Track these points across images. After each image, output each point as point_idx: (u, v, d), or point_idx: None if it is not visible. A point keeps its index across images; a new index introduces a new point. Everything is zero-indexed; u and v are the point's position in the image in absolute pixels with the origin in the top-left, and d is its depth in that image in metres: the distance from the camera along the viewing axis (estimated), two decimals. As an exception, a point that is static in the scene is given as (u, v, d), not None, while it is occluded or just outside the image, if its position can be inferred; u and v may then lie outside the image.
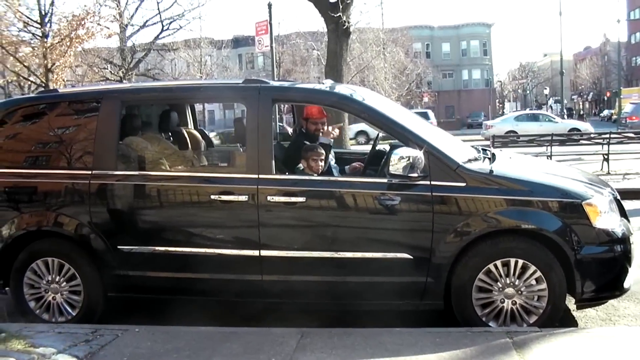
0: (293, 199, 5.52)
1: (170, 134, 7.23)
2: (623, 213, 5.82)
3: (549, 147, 17.71)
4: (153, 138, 6.65)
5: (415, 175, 5.31)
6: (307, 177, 5.86)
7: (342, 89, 6.42)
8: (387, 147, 6.82)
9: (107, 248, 5.82)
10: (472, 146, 6.71)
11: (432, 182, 5.37)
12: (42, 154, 6.26)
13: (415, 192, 5.40)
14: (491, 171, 5.48)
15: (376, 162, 6.72)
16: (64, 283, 5.98)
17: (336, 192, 5.57)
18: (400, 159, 5.25)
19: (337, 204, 5.57)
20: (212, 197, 5.62)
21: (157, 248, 5.75)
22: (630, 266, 5.52)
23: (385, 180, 5.47)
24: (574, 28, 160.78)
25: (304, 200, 5.51)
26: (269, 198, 5.51)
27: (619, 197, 5.94)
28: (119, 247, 5.80)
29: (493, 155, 6.28)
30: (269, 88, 5.95)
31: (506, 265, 5.33)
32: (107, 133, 5.93)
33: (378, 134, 7.44)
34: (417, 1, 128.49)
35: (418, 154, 5.29)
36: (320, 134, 6.95)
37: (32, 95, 7.59)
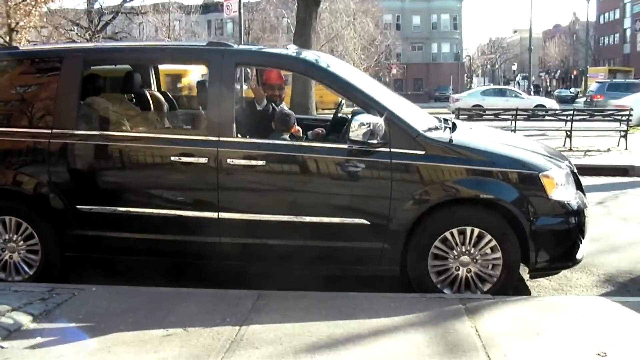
0: (253, 162, 5.52)
1: (133, 95, 7.18)
2: (579, 186, 5.94)
3: (513, 122, 17.88)
4: (115, 98, 6.61)
5: (375, 142, 5.34)
6: (268, 141, 5.83)
7: (308, 54, 6.41)
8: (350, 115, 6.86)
9: (66, 207, 5.77)
10: (434, 116, 6.77)
11: (392, 150, 5.40)
12: (2, 112, 6.15)
13: (374, 158, 5.43)
14: (451, 140, 5.51)
15: (338, 129, 6.75)
16: (22, 242, 5.92)
17: (297, 157, 5.59)
18: (361, 125, 5.28)
19: (297, 169, 5.60)
20: (173, 158, 5.59)
21: (116, 208, 5.72)
22: (583, 238, 5.65)
23: (345, 146, 5.50)
24: (545, 5, 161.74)
25: (264, 164, 5.52)
26: (228, 161, 5.50)
27: (575, 171, 6.04)
28: (78, 206, 5.75)
29: (454, 125, 6.33)
30: (233, 51, 5.92)
31: (462, 233, 5.41)
32: (68, 92, 5.86)
33: (341, 101, 7.44)
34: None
35: (378, 120, 5.32)
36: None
37: None
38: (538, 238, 5.39)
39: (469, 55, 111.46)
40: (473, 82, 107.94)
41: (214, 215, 5.57)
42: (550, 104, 36.45)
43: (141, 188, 5.79)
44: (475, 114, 20.50)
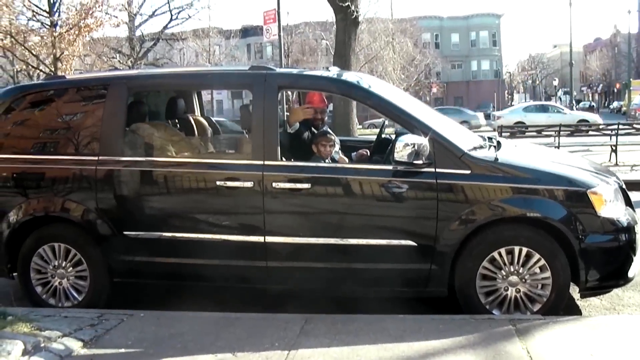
0: (298, 186, 5.54)
1: (177, 120, 7.25)
2: (629, 202, 5.82)
3: (557, 138, 17.67)
4: (159, 125, 6.68)
5: (420, 162, 5.32)
6: (312, 164, 5.86)
7: (349, 76, 6.44)
8: (393, 135, 6.84)
9: (113, 233, 5.85)
10: (478, 134, 6.72)
11: (437, 170, 5.37)
12: (50, 140, 6.31)
13: (420, 179, 5.40)
14: (496, 159, 5.47)
15: (382, 149, 6.74)
16: (71, 268, 6.03)
17: (341, 179, 5.60)
18: (405, 146, 5.27)
19: (342, 191, 5.58)
20: (218, 183, 5.64)
21: (163, 234, 5.79)
22: (635, 255, 5.51)
23: (390, 168, 5.49)
24: (584, 19, 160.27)
25: (309, 187, 5.53)
26: (274, 184, 5.53)
27: (624, 186, 5.93)
28: (125, 232, 5.83)
29: (498, 143, 6.28)
30: (275, 75, 5.95)
31: (510, 253, 5.33)
32: (114, 119, 5.97)
33: (384, 122, 7.46)
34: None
35: (423, 141, 5.31)
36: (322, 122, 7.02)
37: (39, 81, 7.63)
38: (588, 256, 5.29)
39: (509, 72, 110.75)
40: (514, 99, 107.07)
41: (260, 239, 5.59)
42: (594, 118, 35.96)
43: (187, 213, 5.83)
44: (518, 131, 20.28)
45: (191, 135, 7.11)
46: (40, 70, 28.12)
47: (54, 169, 6.06)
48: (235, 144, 7.13)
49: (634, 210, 5.81)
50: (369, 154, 7.16)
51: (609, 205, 5.37)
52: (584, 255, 5.27)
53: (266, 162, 5.57)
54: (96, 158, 5.92)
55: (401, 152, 5.28)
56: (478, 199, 5.33)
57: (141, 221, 5.86)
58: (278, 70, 6.21)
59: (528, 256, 5.31)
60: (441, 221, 5.35)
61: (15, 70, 36.21)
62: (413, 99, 6.87)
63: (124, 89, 6.10)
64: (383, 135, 7.33)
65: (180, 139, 6.61)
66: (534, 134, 20.42)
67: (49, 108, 6.42)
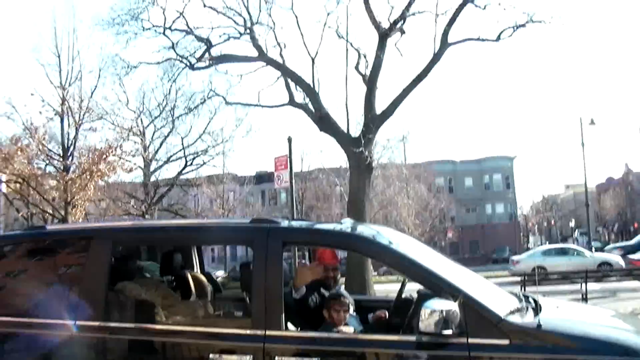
0: None
1: (172, 277, 6.50)
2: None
3: (583, 284, 16.79)
4: (150, 283, 5.92)
5: (450, 332, 4.46)
6: (323, 335, 5.01)
7: (364, 230, 5.69)
8: (414, 295, 6.04)
9: None
10: (512, 292, 5.87)
11: (470, 340, 4.50)
12: (22, 300, 5.50)
13: (449, 352, 4.52)
14: (539, 325, 4.56)
15: (403, 311, 5.91)
16: None
17: (357, 352, 4.74)
18: (432, 312, 4.42)
19: None
20: (211, 356, 4.78)
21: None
22: None
23: (413, 339, 4.64)
24: (595, 158, 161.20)
25: None
26: (277, 359, 4.67)
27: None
28: None
29: (537, 303, 5.43)
30: (279, 229, 5.24)
31: None
32: (95, 278, 5.19)
33: (404, 280, 6.62)
34: (440, 136, 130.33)
35: (453, 306, 4.47)
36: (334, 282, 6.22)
37: (15, 232, 6.91)
38: None
39: (524, 214, 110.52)
40: (530, 241, 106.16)
41: None
42: (616, 260, 34.86)
43: None
44: (543, 278, 19.37)
45: (187, 295, 6.32)
46: (53, 215, 27.91)
47: (24, 335, 5.18)
48: (234, 309, 6.30)
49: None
50: (387, 316, 6.31)
51: None
52: None
53: (268, 333, 4.72)
54: (73, 322, 5.09)
55: (427, 320, 4.42)
56: None
57: None
58: (283, 223, 5.48)
59: None
60: (477, 405, 4.44)
61: (30, 213, 36.11)
62: (438, 255, 6.01)
63: (108, 243, 5.37)
64: (403, 295, 6.49)
65: (172, 300, 5.81)
66: (557, 279, 19.46)
67: (24, 263, 5.70)
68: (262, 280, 4.91)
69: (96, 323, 5.06)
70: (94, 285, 5.18)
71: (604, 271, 22.55)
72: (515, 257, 39.51)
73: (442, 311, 4.42)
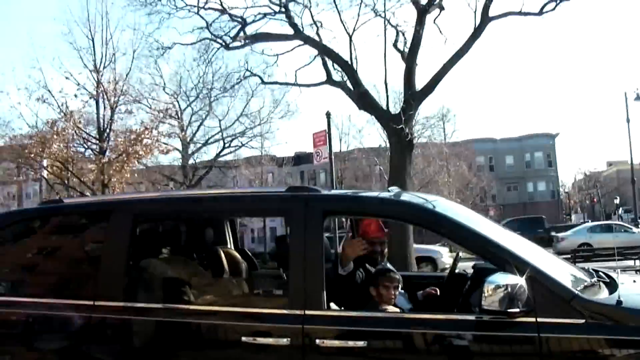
0: (351, 344, 4.09)
1: (203, 254, 5.98)
2: None
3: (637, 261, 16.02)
4: (177, 260, 5.40)
5: (517, 310, 3.87)
6: (370, 314, 4.45)
7: (413, 197, 5.09)
8: (469, 270, 5.46)
9: None
10: (582, 268, 5.23)
11: (539, 319, 3.90)
12: (36, 279, 5.04)
13: (516, 332, 3.94)
14: (619, 302, 3.95)
15: (457, 288, 5.34)
16: None
17: (408, 333, 4.15)
18: (496, 288, 3.83)
19: (409, 348, 4.15)
20: (244, 339, 4.25)
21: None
22: None
23: (473, 318, 4.07)
24: (638, 135, 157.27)
25: (365, 345, 4.07)
26: (317, 342, 4.10)
27: None
28: None
29: (611, 278, 4.80)
30: (319, 198, 4.68)
31: None
32: (115, 254, 4.69)
33: (457, 254, 6.01)
34: (480, 114, 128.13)
35: (519, 281, 3.87)
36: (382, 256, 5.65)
37: (33, 206, 6.39)
38: None
39: (567, 192, 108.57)
40: (572, 219, 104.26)
41: None
42: (665, 237, 33.74)
43: None
44: (594, 254, 18.60)
45: (219, 273, 5.80)
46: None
47: (38, 315, 4.68)
48: (272, 287, 5.76)
49: None
50: (438, 293, 5.74)
51: None
52: None
53: (307, 312, 4.18)
54: (91, 303, 4.60)
55: (491, 297, 3.83)
56: (598, 357, 3.83)
57: None
58: (323, 191, 4.92)
59: None
60: (546, 391, 3.84)
61: (70, 197, 36.17)
62: (497, 225, 5.36)
63: (129, 216, 4.83)
64: (457, 271, 5.89)
65: (203, 278, 5.30)
66: (606, 257, 18.65)
67: (40, 239, 5.23)
68: (300, 254, 4.36)
69: (116, 303, 4.57)
70: (114, 262, 4.69)
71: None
72: (560, 234, 38.50)
73: (507, 286, 3.83)
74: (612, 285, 4.49)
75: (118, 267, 4.67)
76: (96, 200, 5.74)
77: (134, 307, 4.61)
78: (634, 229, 36.69)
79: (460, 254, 5.95)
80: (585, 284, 4.32)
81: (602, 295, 4.22)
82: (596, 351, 3.83)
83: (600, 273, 5.02)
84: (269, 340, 4.20)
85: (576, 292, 3.99)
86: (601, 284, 4.55)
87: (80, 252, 5.03)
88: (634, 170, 47.30)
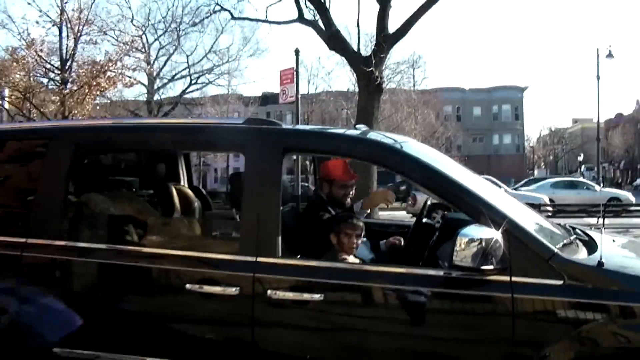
0: (305, 296, 3.71)
1: (152, 191, 5.53)
2: None
3: (599, 219, 15.94)
4: (122, 196, 4.95)
5: (491, 267, 3.51)
6: (329, 264, 4.05)
7: (382, 136, 4.65)
8: (438, 219, 5.08)
9: (39, 350, 4.03)
10: (558, 223, 4.88)
11: (514, 278, 3.55)
12: None
13: (487, 292, 3.59)
14: (600, 263, 3.60)
15: (422, 238, 4.96)
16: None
17: (368, 287, 3.78)
18: (470, 242, 3.46)
19: (368, 304, 3.79)
20: (188, 286, 3.84)
21: (105, 355, 3.94)
22: None
23: (441, 274, 3.71)
24: (605, 94, 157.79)
25: (322, 298, 3.70)
26: (269, 292, 3.72)
27: None
28: (55, 350, 4.00)
29: (589, 237, 4.46)
30: (279, 132, 4.23)
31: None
32: (53, 187, 4.22)
33: (426, 201, 5.62)
34: (450, 63, 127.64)
35: (495, 235, 3.50)
36: (349, 202, 5.24)
37: None
38: None
39: (532, 146, 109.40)
40: (535, 174, 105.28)
41: None
42: (626, 196, 33.99)
43: (141, 327, 4.01)
44: (558, 210, 18.53)
45: (169, 212, 5.35)
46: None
47: None
48: (220, 229, 5.31)
49: None
50: (402, 243, 5.37)
51: None
52: None
53: (259, 259, 3.79)
54: (23, 240, 4.15)
55: (464, 251, 3.46)
56: (579, 323, 3.48)
57: (77, 336, 4.03)
58: (284, 126, 4.47)
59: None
60: (519, 356, 3.52)
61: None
62: (473, 174, 4.95)
63: (69, 145, 4.32)
64: (424, 220, 5.49)
65: (149, 216, 4.85)
66: (568, 214, 18.64)
67: None
68: (254, 194, 3.94)
69: (51, 241, 4.12)
70: (51, 195, 4.21)
71: (622, 205, 21.63)
72: (523, 189, 38.58)
73: (482, 240, 3.46)
74: (590, 245, 4.15)
75: (55, 201, 4.19)
76: (34, 126, 5.20)
77: (70, 246, 4.16)
78: (597, 187, 36.90)
79: (429, 201, 5.52)
80: (565, 241, 3.97)
81: (581, 255, 3.88)
82: (574, 316, 3.49)
83: (578, 230, 4.69)
84: (216, 289, 3.79)
85: (555, 250, 3.63)
86: (579, 242, 4.22)
87: (14, 182, 4.53)
88: (599, 129, 47.49)
